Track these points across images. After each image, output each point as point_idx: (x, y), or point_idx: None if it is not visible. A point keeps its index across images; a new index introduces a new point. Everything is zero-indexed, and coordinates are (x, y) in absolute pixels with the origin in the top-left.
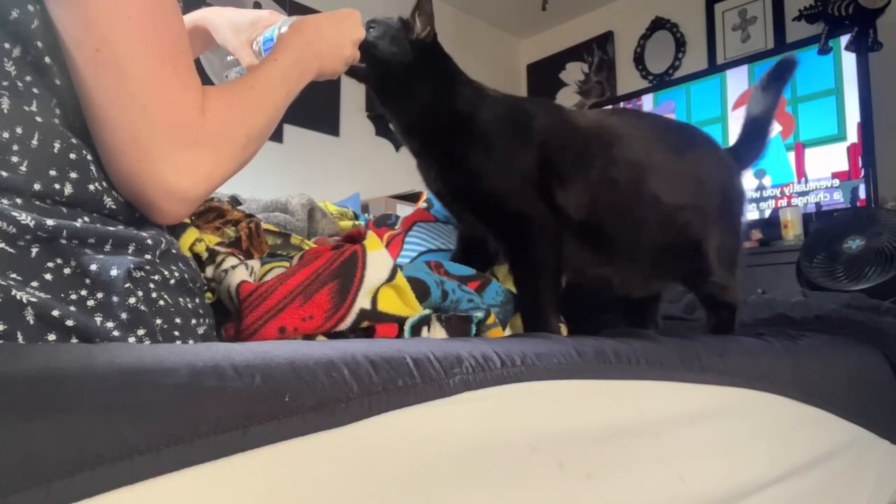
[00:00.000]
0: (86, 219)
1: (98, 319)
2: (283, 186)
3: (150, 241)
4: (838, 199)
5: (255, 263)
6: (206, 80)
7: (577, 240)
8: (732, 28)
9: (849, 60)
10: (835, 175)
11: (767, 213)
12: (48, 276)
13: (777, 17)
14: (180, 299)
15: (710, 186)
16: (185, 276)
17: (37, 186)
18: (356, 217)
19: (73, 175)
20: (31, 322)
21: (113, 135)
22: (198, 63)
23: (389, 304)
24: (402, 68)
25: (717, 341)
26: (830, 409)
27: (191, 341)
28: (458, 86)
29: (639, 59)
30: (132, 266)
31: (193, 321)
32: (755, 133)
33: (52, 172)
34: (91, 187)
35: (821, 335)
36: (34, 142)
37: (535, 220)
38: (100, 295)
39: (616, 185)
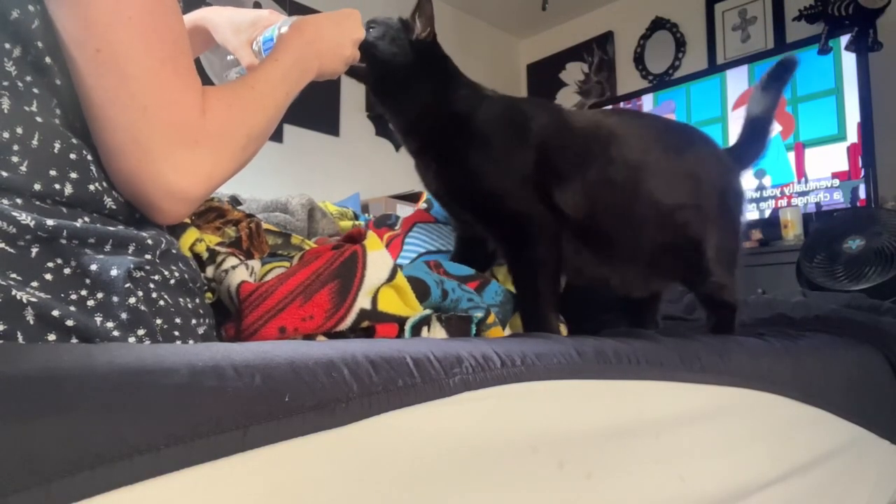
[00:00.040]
0: (86, 219)
1: (98, 319)
2: (283, 186)
3: (150, 241)
4: (838, 199)
5: (255, 263)
6: (206, 80)
7: (575, 240)
8: (732, 28)
9: (849, 60)
10: (835, 175)
11: (767, 213)
12: (48, 276)
13: (777, 17)
14: (180, 299)
15: (708, 186)
16: (186, 276)
17: (37, 186)
18: (356, 217)
19: (74, 175)
20: (31, 322)
21: (113, 135)
22: (198, 63)
23: (390, 303)
24: (402, 69)
25: (717, 341)
26: (830, 409)
27: (191, 341)
28: (457, 87)
29: (639, 59)
30: (132, 266)
31: (193, 321)
32: (755, 133)
33: (53, 172)
34: (91, 187)
35: (821, 335)
36: (34, 142)
37: (534, 220)
38: (100, 295)
39: (614, 184)
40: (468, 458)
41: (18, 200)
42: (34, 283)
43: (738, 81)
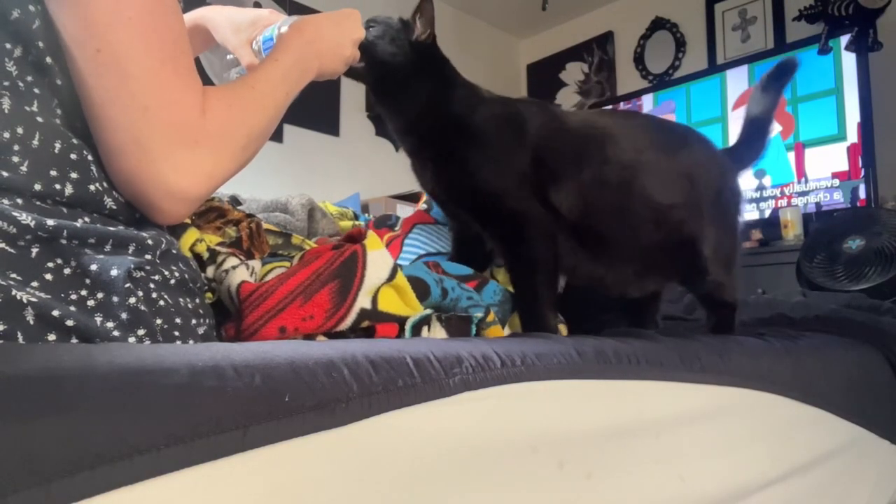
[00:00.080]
0: (86, 219)
1: (98, 319)
2: (283, 186)
3: (150, 242)
4: (838, 199)
5: (256, 263)
6: (206, 80)
7: (571, 239)
8: (732, 28)
9: (849, 60)
10: (835, 175)
11: (767, 213)
12: (48, 276)
13: (777, 17)
14: (180, 299)
15: (703, 185)
16: (186, 276)
17: (37, 186)
18: (356, 217)
19: (74, 175)
20: (31, 322)
21: (114, 135)
22: (198, 63)
23: (390, 303)
24: (401, 69)
25: (717, 341)
26: (830, 409)
27: (191, 341)
28: (455, 88)
29: (639, 59)
30: (132, 266)
31: (193, 321)
32: (755, 133)
33: (53, 173)
34: (91, 187)
35: (821, 335)
36: (35, 142)
37: (531, 219)
38: (100, 295)
39: (609, 184)
40: (468, 458)
41: (19, 200)
42: (34, 283)
43: (738, 81)
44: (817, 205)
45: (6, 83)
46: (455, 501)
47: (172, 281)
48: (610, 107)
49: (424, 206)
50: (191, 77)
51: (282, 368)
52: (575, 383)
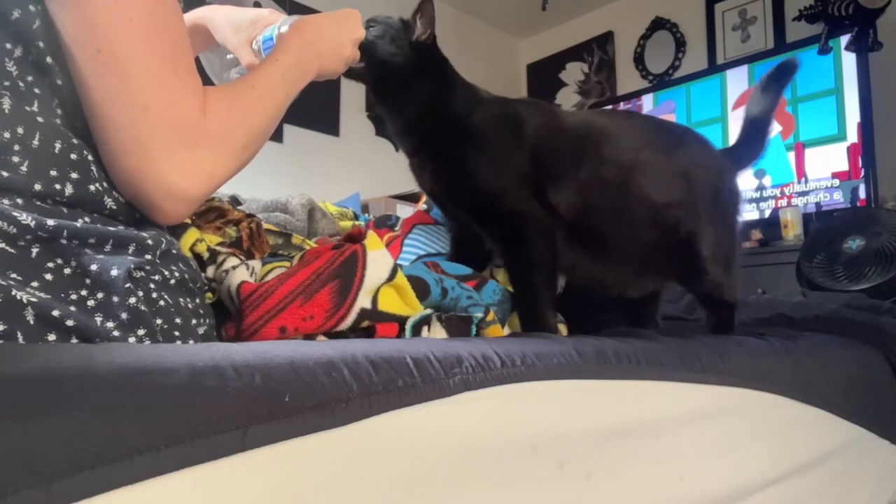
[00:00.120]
0: (86, 219)
1: (98, 319)
2: (283, 186)
3: (150, 242)
4: (838, 199)
5: (256, 264)
6: (206, 80)
7: (569, 239)
8: (732, 28)
9: (849, 60)
10: (835, 175)
11: (767, 213)
12: (48, 276)
13: (777, 17)
14: (180, 299)
15: (701, 185)
16: (186, 276)
17: (37, 187)
18: (356, 217)
19: (74, 175)
20: (32, 322)
21: (114, 135)
22: (198, 62)
23: (390, 303)
24: (400, 69)
25: (717, 341)
26: (830, 409)
27: (191, 341)
28: (454, 88)
29: (639, 59)
30: (132, 266)
31: (194, 321)
32: (754, 133)
33: (53, 173)
34: (92, 188)
35: (821, 335)
36: (35, 142)
37: (530, 219)
38: (100, 295)
39: (606, 184)
40: (468, 458)
41: (19, 200)
42: (34, 283)
43: (738, 81)
44: (817, 205)
45: (6, 83)
46: (455, 501)
47: (172, 281)
48: (610, 107)
49: (424, 206)
50: (191, 77)
51: (282, 368)
52: (575, 383)
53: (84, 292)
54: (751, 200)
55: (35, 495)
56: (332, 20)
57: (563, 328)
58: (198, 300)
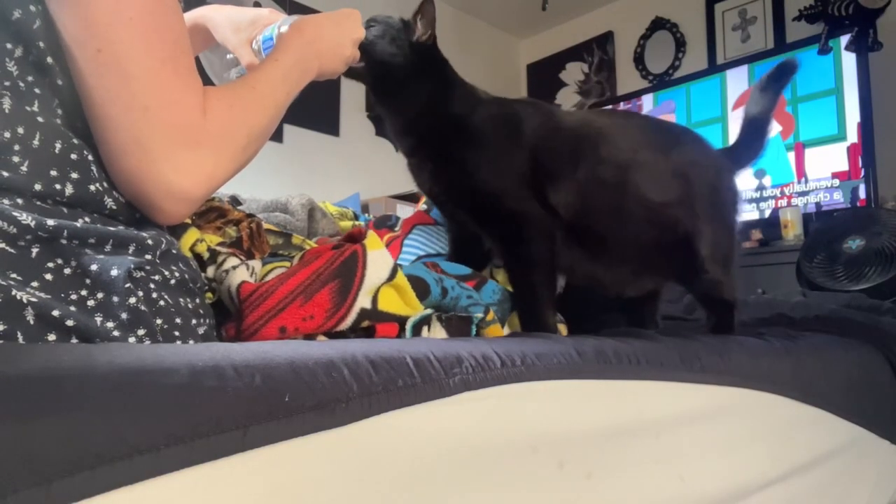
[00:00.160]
0: (86, 219)
1: (98, 319)
2: (283, 186)
3: (150, 242)
4: (838, 199)
5: (256, 263)
6: (206, 80)
7: (567, 238)
8: (732, 28)
9: (849, 60)
10: (835, 175)
11: (767, 213)
12: (48, 276)
13: (777, 17)
14: (180, 299)
15: (699, 184)
16: (186, 276)
17: (38, 187)
18: (356, 217)
19: (74, 175)
20: (32, 322)
21: (114, 135)
22: (198, 62)
23: (390, 303)
24: (400, 69)
25: (717, 341)
26: (830, 409)
27: (191, 341)
28: (454, 89)
29: (639, 59)
30: (132, 266)
31: (194, 321)
32: (753, 133)
33: (53, 173)
34: (92, 188)
35: (821, 335)
36: (35, 142)
37: (529, 219)
38: (100, 295)
39: (604, 184)
40: (468, 458)
41: (19, 200)
42: (34, 283)
43: (738, 81)
44: (817, 205)
45: (7, 83)
46: (455, 501)
47: (172, 281)
48: (610, 107)
49: (424, 206)
50: (191, 77)
51: (282, 368)
52: (575, 383)
53: (84, 292)
54: (751, 200)
55: (35, 495)
56: (332, 20)
57: (563, 328)
58: (198, 300)
